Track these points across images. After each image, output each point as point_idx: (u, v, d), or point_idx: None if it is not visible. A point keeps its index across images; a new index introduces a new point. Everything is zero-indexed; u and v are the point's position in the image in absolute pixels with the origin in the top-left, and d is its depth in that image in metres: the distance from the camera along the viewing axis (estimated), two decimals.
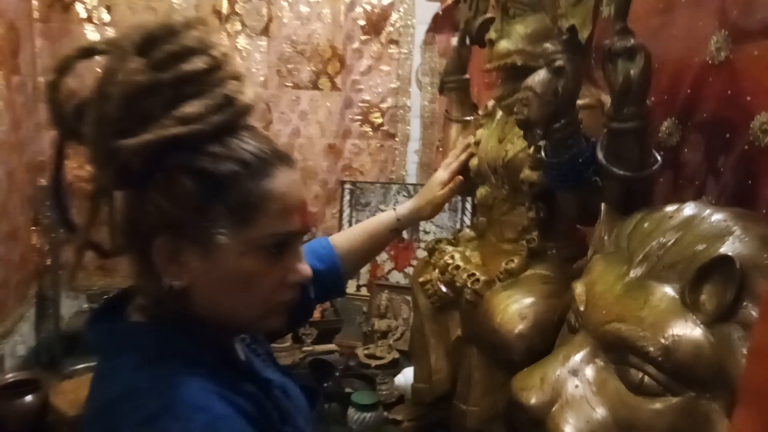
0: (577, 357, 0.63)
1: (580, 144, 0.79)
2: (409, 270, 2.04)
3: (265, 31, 2.06)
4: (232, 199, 0.57)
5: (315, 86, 2.10)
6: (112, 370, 0.58)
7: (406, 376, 1.50)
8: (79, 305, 2.01)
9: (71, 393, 1.51)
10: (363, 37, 2.08)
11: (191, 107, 0.54)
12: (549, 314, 0.87)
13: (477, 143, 1.10)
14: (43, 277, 1.89)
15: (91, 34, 1.93)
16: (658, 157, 0.76)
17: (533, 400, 0.62)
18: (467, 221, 1.92)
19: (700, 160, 1.01)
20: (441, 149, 2.11)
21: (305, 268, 0.64)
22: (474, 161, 1.10)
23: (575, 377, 0.62)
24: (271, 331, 0.93)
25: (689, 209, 0.62)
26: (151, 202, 0.57)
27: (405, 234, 2.04)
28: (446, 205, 2.00)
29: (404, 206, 1.12)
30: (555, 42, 0.76)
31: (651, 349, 0.56)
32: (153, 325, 0.61)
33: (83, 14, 1.92)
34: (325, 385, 1.60)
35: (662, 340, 0.55)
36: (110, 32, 1.90)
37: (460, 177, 1.14)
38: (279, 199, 0.59)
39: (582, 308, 0.65)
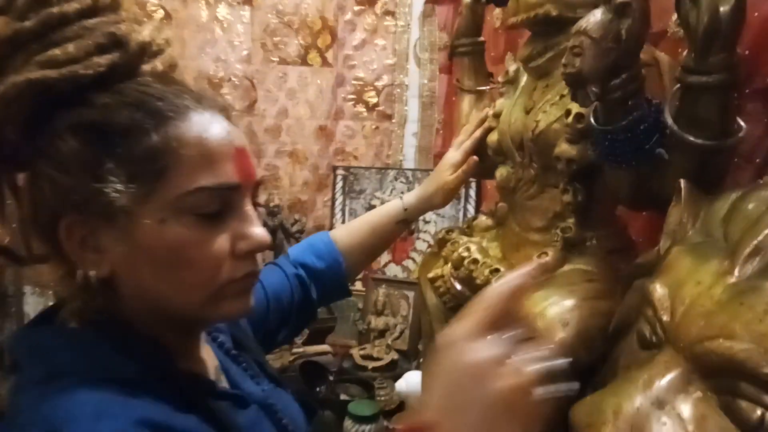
0: (663, 383, 0.47)
1: (642, 106, 0.63)
2: (408, 263, 1.88)
3: (248, 0, 1.87)
4: (128, 151, 0.47)
5: (304, 62, 1.91)
6: (19, 385, 0.49)
7: (408, 382, 1.36)
8: (45, 303, 1.83)
9: None
10: (356, 8, 1.90)
11: (61, 50, 0.46)
12: (595, 320, 0.71)
13: (497, 115, 0.94)
14: (3, 273, 1.71)
15: None
16: (742, 123, 0.61)
17: None
18: (471, 210, 1.76)
19: (762, 134, 0.86)
20: (441, 132, 1.96)
21: (258, 233, 0.52)
22: (493, 136, 0.94)
23: (661, 411, 0.46)
24: (270, 339, 0.82)
25: None
26: (43, 178, 0.48)
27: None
28: None
29: (412, 194, 0.98)
30: None
31: None
32: (72, 331, 0.51)
33: None
34: (318, 390, 1.45)
35: None
36: None
37: (475, 157, 0.98)
38: (195, 144, 0.49)
39: (666, 318, 0.49)
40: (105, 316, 0.51)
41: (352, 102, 1.96)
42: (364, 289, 1.84)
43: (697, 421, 0.45)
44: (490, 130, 0.96)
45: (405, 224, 0.98)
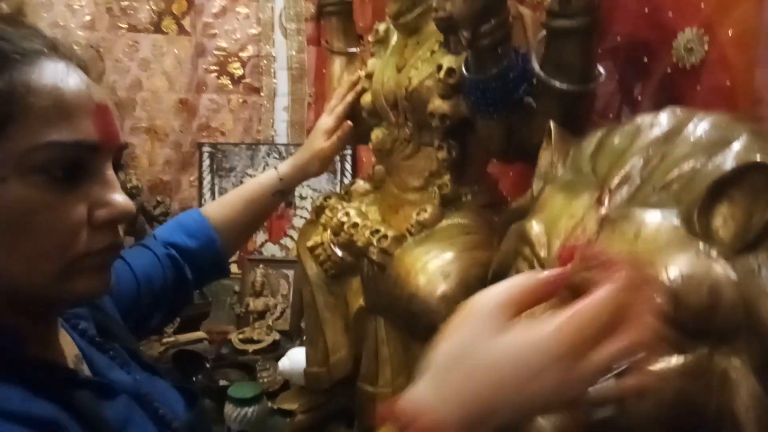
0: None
1: (511, 55, 0.64)
2: (286, 241, 1.82)
3: None
4: None
5: (158, 29, 1.74)
6: None
7: (291, 359, 1.31)
8: None
9: None
10: None
11: None
12: (475, 270, 0.72)
13: (369, 76, 0.92)
14: None
15: None
16: (602, 69, 0.64)
17: None
18: (348, 182, 1.74)
19: (613, 91, 0.92)
20: (313, 106, 1.90)
21: (121, 200, 0.47)
22: (367, 98, 0.91)
23: None
24: (149, 324, 0.77)
25: (671, 117, 0.49)
26: None
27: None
28: None
29: (286, 164, 0.95)
30: None
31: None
32: None
33: None
34: (195, 380, 1.35)
35: (666, 283, 0.42)
36: None
37: (349, 122, 0.95)
38: (47, 94, 0.43)
39: (543, 253, 0.50)
40: None
41: (216, 74, 1.83)
42: (239, 271, 1.76)
43: None
44: (362, 92, 0.94)
45: (281, 195, 0.94)
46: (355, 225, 0.87)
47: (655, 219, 0.44)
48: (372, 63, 0.92)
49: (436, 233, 0.78)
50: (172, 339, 1.43)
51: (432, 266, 0.72)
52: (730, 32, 0.75)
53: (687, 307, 0.41)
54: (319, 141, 0.95)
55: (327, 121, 0.96)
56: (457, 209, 0.81)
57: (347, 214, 0.89)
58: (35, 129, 0.42)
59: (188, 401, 0.63)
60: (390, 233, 0.79)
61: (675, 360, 0.43)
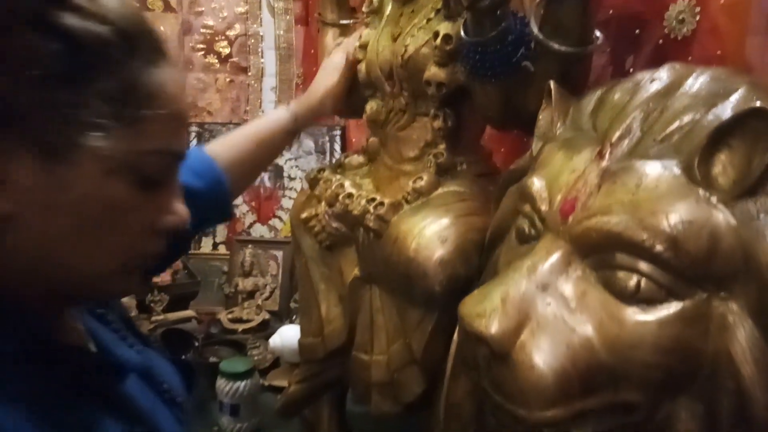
0: (546, 267, 0.48)
1: (509, 17, 0.64)
2: (275, 222, 1.81)
3: None
4: (112, 81, 0.39)
5: (143, 6, 1.72)
6: None
7: (282, 337, 1.32)
8: None
9: None
10: None
11: None
12: (471, 234, 0.73)
13: (363, 46, 0.91)
14: None
15: None
16: (599, 33, 0.64)
17: (495, 328, 0.47)
18: None
19: (605, 64, 0.93)
20: (301, 86, 1.89)
21: (183, 210, 0.48)
22: (362, 68, 0.91)
23: (545, 293, 0.48)
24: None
25: (671, 72, 0.50)
26: None
27: (267, 181, 1.81)
28: (312, 147, 1.83)
29: (299, 102, 0.92)
30: None
31: (653, 242, 0.43)
32: None
33: None
34: (184, 358, 1.35)
35: (667, 230, 0.42)
36: None
37: (352, 58, 0.93)
38: (171, 101, 0.43)
39: (545, 207, 0.51)
40: None
41: (202, 52, 1.80)
42: (228, 252, 1.75)
43: (578, 298, 0.47)
44: (359, 61, 0.94)
45: (293, 135, 0.91)
46: (350, 195, 0.86)
47: (655, 169, 0.45)
48: (366, 33, 0.92)
49: (432, 200, 0.78)
50: (161, 317, 1.42)
51: (429, 232, 0.72)
52: (721, 2, 0.76)
53: (687, 253, 0.42)
54: (331, 77, 0.93)
55: (340, 58, 0.94)
56: (453, 177, 0.82)
57: (342, 185, 0.89)
58: (154, 133, 0.42)
59: (183, 375, 0.62)
60: (386, 200, 0.79)
61: (674, 307, 0.44)
